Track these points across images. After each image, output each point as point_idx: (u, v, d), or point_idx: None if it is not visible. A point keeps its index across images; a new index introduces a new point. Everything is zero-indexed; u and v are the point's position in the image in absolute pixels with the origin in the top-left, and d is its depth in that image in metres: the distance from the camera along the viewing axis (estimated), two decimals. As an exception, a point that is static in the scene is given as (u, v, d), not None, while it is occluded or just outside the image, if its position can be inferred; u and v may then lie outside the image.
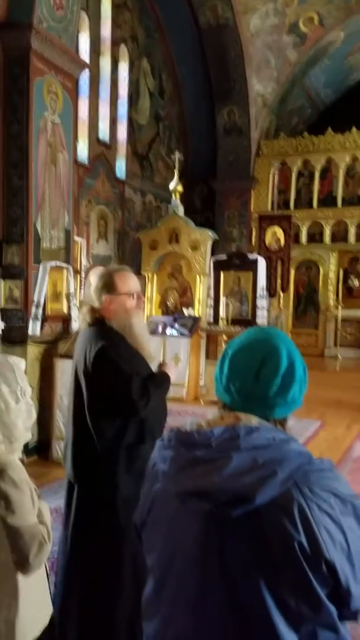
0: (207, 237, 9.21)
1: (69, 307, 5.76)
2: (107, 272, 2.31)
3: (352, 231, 11.55)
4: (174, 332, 8.30)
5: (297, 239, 11.65)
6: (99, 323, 2.24)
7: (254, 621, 0.94)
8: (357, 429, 7.02)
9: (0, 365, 1.32)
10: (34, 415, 1.41)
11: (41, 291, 5.27)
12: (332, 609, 0.94)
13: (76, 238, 6.93)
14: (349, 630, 1.01)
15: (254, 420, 1.03)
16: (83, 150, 8.78)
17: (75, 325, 5.75)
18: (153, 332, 7.84)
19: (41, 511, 1.49)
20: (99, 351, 2.11)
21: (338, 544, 0.93)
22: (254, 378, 1.04)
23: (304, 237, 11.90)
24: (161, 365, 2.43)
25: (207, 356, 8.90)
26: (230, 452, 0.96)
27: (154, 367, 2.39)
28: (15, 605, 1.36)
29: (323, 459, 1.02)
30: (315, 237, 11.91)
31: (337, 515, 0.94)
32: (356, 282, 11.52)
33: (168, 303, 9.67)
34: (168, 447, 1.06)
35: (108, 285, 2.24)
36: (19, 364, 1.39)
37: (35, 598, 1.48)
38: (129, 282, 2.28)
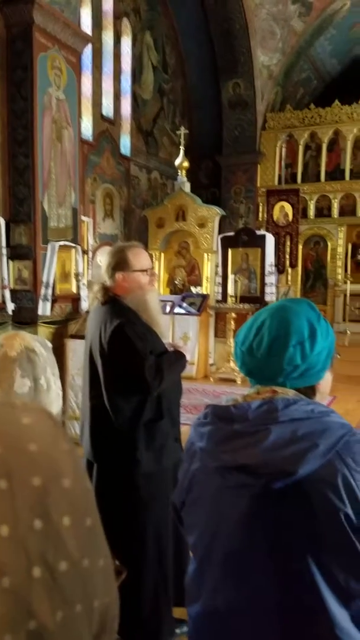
0: (214, 213, 9.13)
1: (78, 287, 5.75)
2: (119, 248, 2.29)
3: (360, 205, 11.41)
4: (182, 311, 8.28)
5: (304, 214, 11.50)
6: (112, 301, 2.23)
7: (302, 597, 0.93)
8: (367, 403, 7.03)
9: (44, 347, 1.31)
10: (61, 402, 1.40)
11: (50, 271, 5.25)
12: None
13: (82, 217, 6.88)
14: None
15: (290, 393, 1.02)
16: (87, 127, 8.66)
17: (84, 305, 5.75)
18: (162, 311, 7.84)
19: None
20: (115, 329, 2.10)
21: None
22: (249, 354, 1.05)
23: (311, 212, 11.75)
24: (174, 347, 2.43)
25: (216, 334, 8.89)
26: (269, 425, 0.95)
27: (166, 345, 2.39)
28: None
29: None
30: (323, 211, 11.75)
31: None
32: (365, 257, 11.42)
33: (176, 282, 9.64)
34: (205, 424, 1.05)
35: (121, 262, 2.22)
36: (50, 346, 1.37)
37: None
38: (142, 258, 2.26)
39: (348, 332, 10.30)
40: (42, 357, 1.27)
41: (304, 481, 0.91)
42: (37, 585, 0.34)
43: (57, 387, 1.30)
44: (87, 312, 5.30)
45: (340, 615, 0.92)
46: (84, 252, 6.53)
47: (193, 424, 1.11)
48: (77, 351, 5.09)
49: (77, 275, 5.72)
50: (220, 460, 0.99)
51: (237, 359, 1.10)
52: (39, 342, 1.31)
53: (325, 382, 1.10)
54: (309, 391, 1.06)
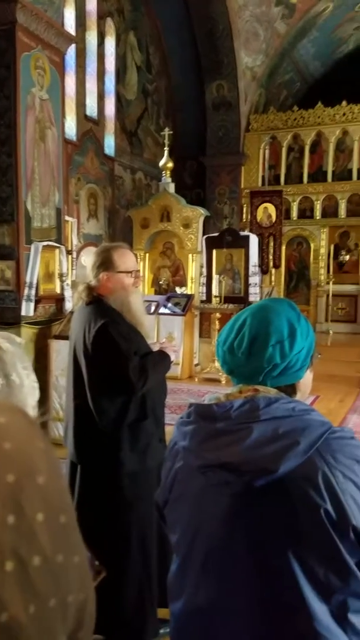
0: (198, 214, 9.15)
1: (62, 288, 5.72)
2: (105, 248, 2.29)
3: (342, 206, 11.51)
4: (167, 311, 8.30)
5: (287, 215, 11.60)
6: (97, 301, 2.23)
7: (283, 593, 0.94)
8: (349, 402, 7.11)
9: (11, 342, 1.31)
10: (38, 394, 1.40)
11: (33, 271, 5.22)
12: None
13: (66, 217, 6.85)
14: None
15: (272, 392, 1.03)
16: (71, 127, 8.63)
17: (68, 305, 5.73)
18: (146, 311, 7.83)
19: None
20: (99, 329, 2.09)
21: None
22: (230, 353, 1.07)
23: (294, 213, 11.85)
24: (162, 344, 2.43)
25: (201, 334, 8.91)
26: (251, 423, 0.96)
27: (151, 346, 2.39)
28: None
29: (344, 427, 1.02)
30: (305, 212, 11.86)
31: None
32: (347, 257, 11.53)
33: (160, 282, 9.64)
34: (188, 423, 1.06)
35: (106, 262, 2.22)
36: (20, 341, 1.37)
37: None
38: (127, 259, 2.27)
39: (331, 332, 10.41)
40: (9, 354, 1.27)
41: (285, 479, 0.93)
42: (9, 579, 0.35)
43: (30, 381, 1.30)
44: (71, 312, 5.29)
45: (320, 609, 0.93)
46: (68, 252, 6.50)
47: (176, 423, 1.11)
48: (60, 352, 5.07)
49: (61, 275, 5.70)
50: (203, 459, 1.00)
51: (219, 357, 1.11)
52: (5, 338, 1.31)
53: (306, 380, 1.12)
54: (290, 390, 1.08)
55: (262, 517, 0.96)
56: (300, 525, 0.93)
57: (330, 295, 10.91)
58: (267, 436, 0.94)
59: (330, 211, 11.69)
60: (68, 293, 5.72)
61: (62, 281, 5.70)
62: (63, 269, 5.71)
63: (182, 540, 1.09)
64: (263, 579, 0.96)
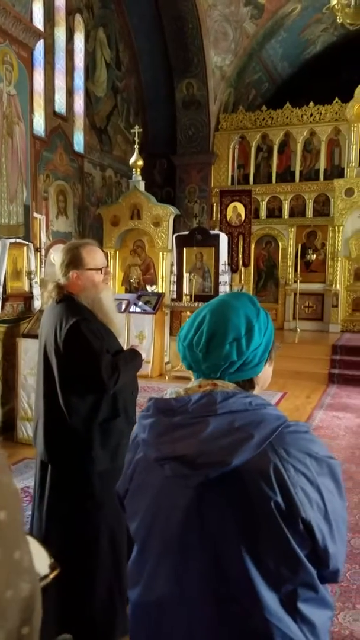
0: (169, 212, 9.17)
1: (30, 285, 5.66)
2: (73, 246, 2.27)
3: (309, 206, 11.69)
4: (138, 310, 8.29)
5: (256, 214, 11.72)
6: (67, 299, 2.22)
7: (234, 584, 0.96)
8: (316, 398, 7.24)
9: None
10: None
11: (0, 269, 5.15)
12: (312, 569, 0.97)
13: (35, 214, 6.77)
14: (328, 589, 1.04)
15: (230, 386, 1.05)
16: (39, 123, 8.53)
17: (37, 303, 5.67)
18: (117, 309, 7.80)
19: None
20: (71, 327, 2.09)
21: (314, 503, 0.96)
22: (190, 350, 1.09)
23: (263, 212, 11.98)
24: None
25: (171, 332, 8.94)
26: (208, 417, 0.98)
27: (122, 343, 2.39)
28: None
29: (299, 421, 1.04)
30: (274, 212, 12.01)
31: (313, 476, 0.97)
32: (313, 256, 11.72)
33: (131, 280, 9.62)
34: (147, 416, 1.08)
35: (75, 260, 2.21)
36: None
37: None
38: (96, 256, 2.26)
39: (298, 329, 10.56)
40: None
41: (238, 471, 0.95)
42: None
43: None
44: (40, 310, 5.23)
45: (271, 599, 0.96)
46: (37, 249, 6.43)
47: (138, 416, 1.13)
48: (29, 350, 5.02)
49: (29, 273, 5.63)
50: (160, 452, 1.02)
51: (180, 353, 1.13)
52: None
53: (264, 374, 1.13)
54: (247, 384, 1.10)
55: (216, 509, 0.98)
56: (252, 517, 0.95)
57: (298, 293, 11.08)
58: (223, 429, 0.96)
59: (298, 211, 11.87)
60: (36, 291, 5.67)
61: (30, 279, 5.64)
62: (31, 266, 5.65)
63: (140, 530, 1.11)
64: (216, 570, 0.98)
